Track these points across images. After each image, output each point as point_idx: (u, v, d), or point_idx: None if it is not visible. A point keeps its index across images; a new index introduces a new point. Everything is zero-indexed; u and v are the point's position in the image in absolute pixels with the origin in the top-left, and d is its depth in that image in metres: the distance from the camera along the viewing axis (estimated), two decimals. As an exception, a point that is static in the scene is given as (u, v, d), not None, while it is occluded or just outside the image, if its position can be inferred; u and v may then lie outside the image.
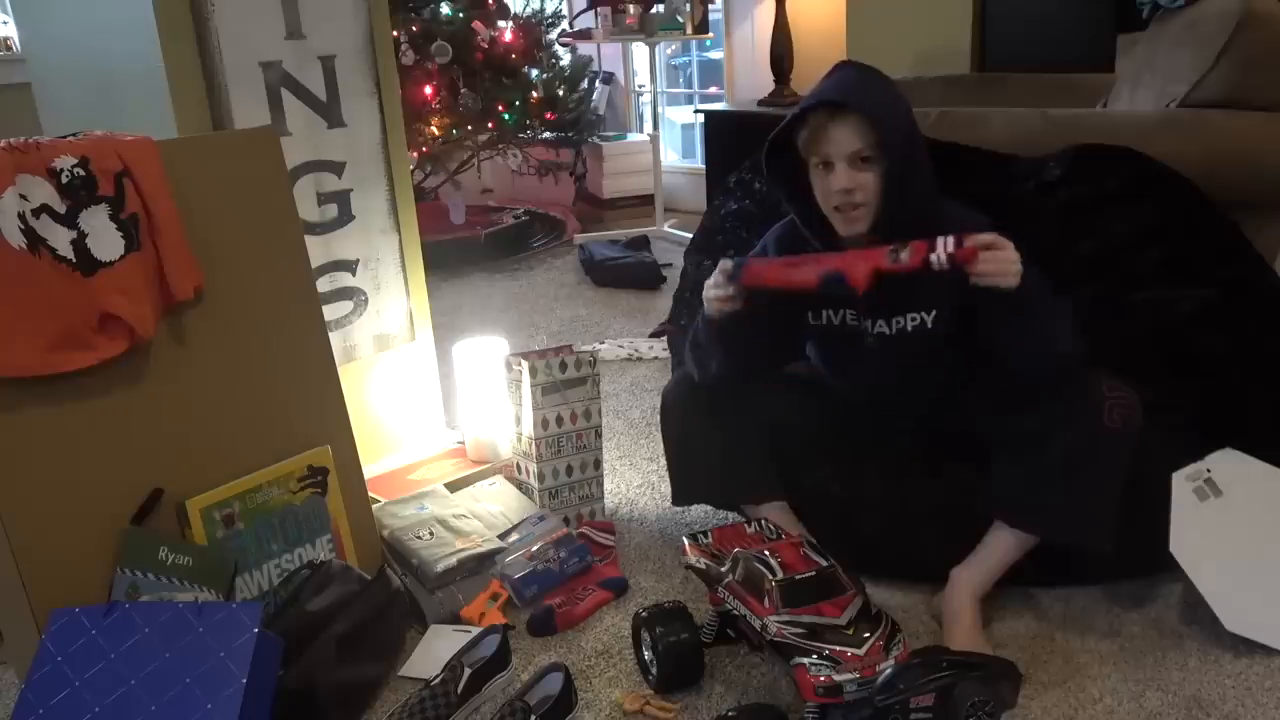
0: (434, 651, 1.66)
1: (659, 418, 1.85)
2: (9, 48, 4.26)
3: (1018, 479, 1.60)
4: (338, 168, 2.04)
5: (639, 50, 5.25)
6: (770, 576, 1.42)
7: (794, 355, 1.85)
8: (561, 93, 4.57)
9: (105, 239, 1.45)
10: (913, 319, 1.65)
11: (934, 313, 1.64)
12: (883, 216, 1.57)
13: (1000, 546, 1.64)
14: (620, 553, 1.98)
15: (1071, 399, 1.56)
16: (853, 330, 1.68)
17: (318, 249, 2.01)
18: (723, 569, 1.50)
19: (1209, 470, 1.66)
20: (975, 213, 1.64)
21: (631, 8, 4.39)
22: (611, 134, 5.39)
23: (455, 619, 1.75)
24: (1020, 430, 1.60)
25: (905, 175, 1.55)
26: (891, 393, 1.75)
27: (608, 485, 2.22)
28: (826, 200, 1.59)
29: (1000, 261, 1.45)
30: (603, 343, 3.23)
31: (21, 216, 1.39)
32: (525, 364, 1.99)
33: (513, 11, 4.50)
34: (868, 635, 1.36)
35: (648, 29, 4.42)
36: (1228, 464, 1.66)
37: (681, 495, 1.87)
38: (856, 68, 1.60)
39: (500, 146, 4.61)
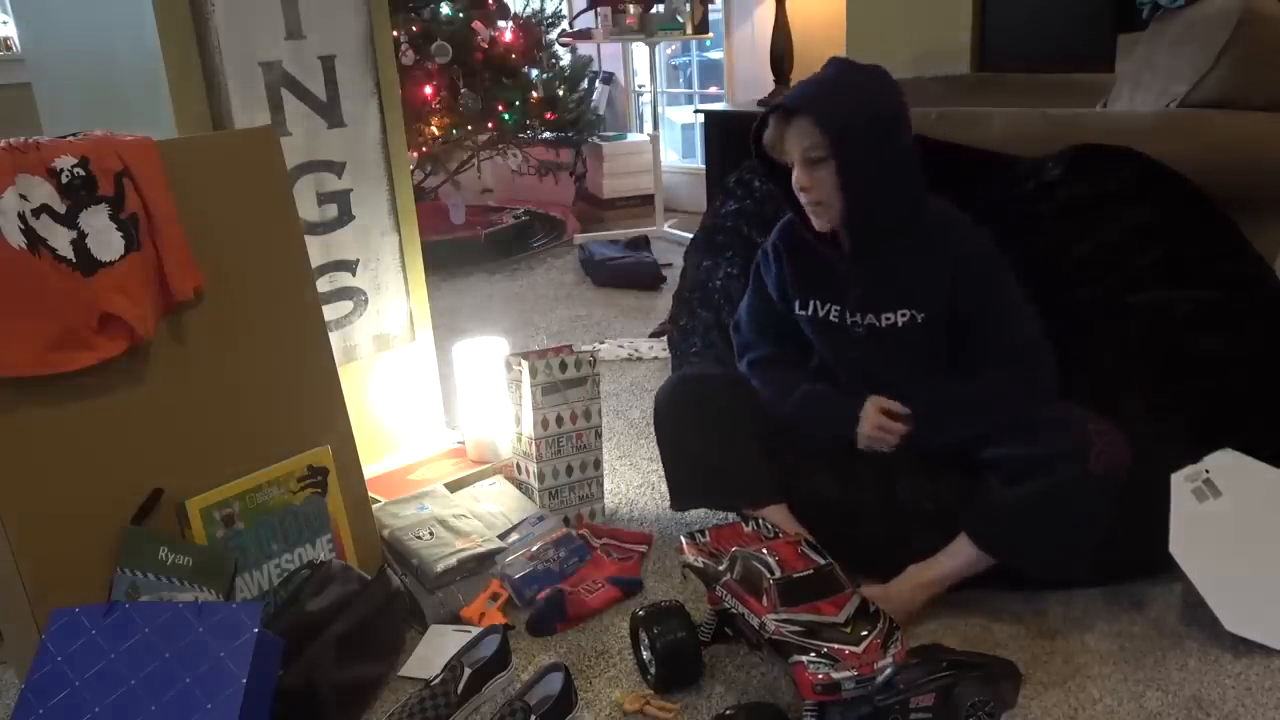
0: (434, 651, 1.66)
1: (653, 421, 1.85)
2: (9, 48, 4.27)
3: (997, 507, 1.60)
4: (338, 168, 2.04)
5: (639, 50, 5.25)
6: (768, 575, 1.42)
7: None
8: (561, 93, 4.57)
9: (105, 239, 1.45)
10: (903, 315, 1.69)
11: (923, 314, 1.68)
12: (850, 213, 1.63)
13: (961, 557, 1.65)
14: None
15: (1059, 441, 1.56)
16: (837, 324, 1.74)
17: (318, 249, 2.01)
18: (721, 568, 1.51)
19: (1208, 470, 1.66)
20: (962, 216, 1.69)
21: (631, 8, 4.39)
22: (611, 134, 5.39)
23: (455, 619, 1.75)
24: (1006, 460, 1.60)
25: (864, 174, 1.58)
26: (882, 383, 1.75)
27: (608, 485, 2.22)
28: (799, 197, 1.64)
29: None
30: (603, 343, 3.23)
31: (21, 216, 1.39)
32: (525, 364, 1.99)
33: (513, 11, 4.50)
34: (866, 633, 1.36)
35: (648, 29, 4.42)
36: (1227, 464, 1.66)
37: (679, 500, 1.88)
38: (834, 65, 1.63)
39: (500, 146, 4.61)
